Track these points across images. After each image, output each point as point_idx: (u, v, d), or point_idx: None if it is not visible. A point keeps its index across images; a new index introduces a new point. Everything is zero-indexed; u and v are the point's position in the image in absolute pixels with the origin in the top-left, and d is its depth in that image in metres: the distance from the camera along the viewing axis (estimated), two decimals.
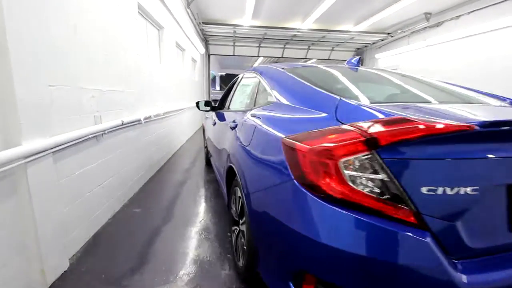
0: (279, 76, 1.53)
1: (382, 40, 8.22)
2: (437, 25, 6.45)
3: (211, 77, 10.56)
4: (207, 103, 3.18)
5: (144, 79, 3.16)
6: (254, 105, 1.66)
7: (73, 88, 1.74)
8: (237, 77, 2.69)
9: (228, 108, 2.45)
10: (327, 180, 0.84)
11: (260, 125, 1.28)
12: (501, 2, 4.93)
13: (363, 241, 0.77)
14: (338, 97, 1.07)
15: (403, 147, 0.79)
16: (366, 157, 0.81)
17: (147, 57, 3.53)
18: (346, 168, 0.82)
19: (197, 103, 3.26)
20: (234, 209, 1.67)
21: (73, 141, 1.68)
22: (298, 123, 1.10)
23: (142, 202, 2.63)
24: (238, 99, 2.20)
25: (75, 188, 1.78)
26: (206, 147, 3.99)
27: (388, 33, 7.70)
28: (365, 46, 9.01)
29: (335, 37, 7.94)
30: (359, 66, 1.81)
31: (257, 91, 1.72)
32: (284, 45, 9.10)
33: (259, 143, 1.23)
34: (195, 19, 6.36)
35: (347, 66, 1.82)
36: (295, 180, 0.93)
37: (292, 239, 0.93)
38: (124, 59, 2.56)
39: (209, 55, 9.52)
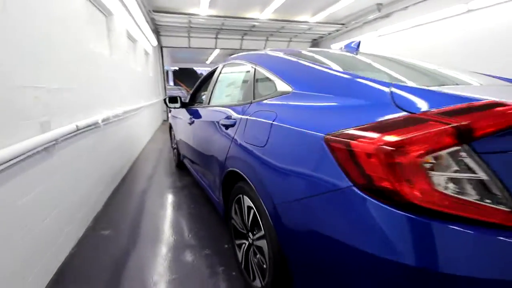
0: (287, 62, 1.30)
1: (337, 30, 8.46)
2: (387, 15, 6.82)
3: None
4: (173, 100, 2.82)
5: (97, 74, 2.65)
6: (254, 98, 1.41)
7: (4, 88, 1.28)
8: (213, 69, 2.39)
9: (208, 103, 2.15)
10: (408, 185, 0.66)
11: (280, 121, 1.05)
12: None
13: (474, 257, 0.61)
14: (387, 80, 0.90)
15: (501, 138, 0.64)
16: (457, 152, 0.64)
17: (97, 48, 2.99)
18: (432, 168, 0.65)
19: (165, 100, 2.88)
20: (239, 220, 1.42)
21: (11, 159, 1.23)
22: (337, 114, 0.89)
23: (109, 221, 2.20)
24: (224, 93, 1.92)
25: (23, 219, 1.34)
26: (175, 148, 3.60)
27: (343, 24, 7.94)
28: (321, 37, 9.21)
29: (293, 28, 7.92)
30: (358, 50, 1.67)
31: (254, 81, 1.47)
32: (242, 36, 8.82)
33: (284, 142, 1.00)
34: (144, 6, 5.70)
35: (346, 50, 1.67)
36: (355, 188, 0.73)
37: (359, 263, 0.74)
38: (74, 50, 2.06)
39: (161, 48, 8.78)
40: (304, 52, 1.51)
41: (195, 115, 2.32)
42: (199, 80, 2.74)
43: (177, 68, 21.58)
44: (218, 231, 2.00)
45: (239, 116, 1.39)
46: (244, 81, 1.70)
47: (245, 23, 7.29)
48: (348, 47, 1.72)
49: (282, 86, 1.20)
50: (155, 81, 8.00)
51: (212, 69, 2.43)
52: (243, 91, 1.64)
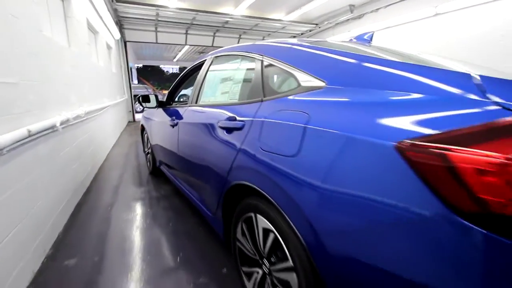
0: (310, 53, 1.06)
1: (310, 30, 8.49)
2: (359, 17, 6.96)
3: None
4: (147, 98, 2.48)
5: (52, 68, 2.19)
6: (264, 95, 1.16)
7: None
8: (198, 63, 2.08)
9: (196, 102, 1.85)
10: None
11: (317, 123, 0.82)
12: None
13: None
14: (464, 71, 0.72)
15: None
16: None
17: (52, 36, 2.50)
18: None
19: (139, 98, 2.51)
20: (249, 244, 1.17)
21: None
22: (407, 114, 0.68)
23: (74, 247, 1.79)
24: (218, 90, 1.63)
25: None
26: (149, 153, 3.20)
27: (316, 24, 7.97)
28: (294, 36, 9.18)
29: (267, 26, 7.76)
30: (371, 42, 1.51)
31: (263, 76, 1.22)
32: (214, 33, 8.45)
33: (327, 152, 0.77)
34: None
35: (360, 43, 1.49)
36: (457, 216, 0.53)
37: None
38: (17, 35, 1.63)
39: (125, 42, 8.07)
40: (325, 41, 1.29)
41: (178, 116, 2.00)
42: (180, 77, 2.41)
43: (141, 66, 20.35)
44: (211, 250, 1.72)
45: (249, 118, 1.14)
46: (247, 76, 1.44)
47: (218, 18, 6.95)
48: (360, 39, 1.55)
49: (308, 80, 0.97)
50: (119, 78, 7.31)
51: (197, 63, 2.13)
52: (247, 87, 1.38)
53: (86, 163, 2.93)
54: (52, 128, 1.93)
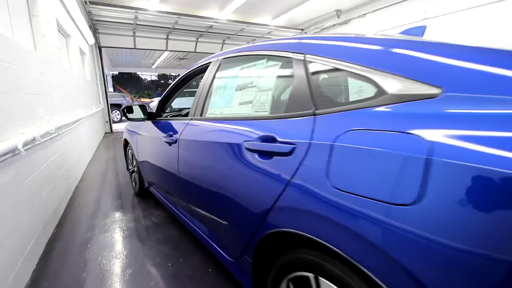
0: (395, 47, 0.76)
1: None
2: (346, 22, 6.92)
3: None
4: (131, 109, 2.11)
5: (12, 74, 1.75)
6: (317, 107, 0.84)
7: None
8: (199, 67, 1.74)
9: (201, 115, 1.50)
10: None
11: (452, 155, 0.51)
12: (398, 2, 5.56)
13: None
14: None
15: None
16: None
17: (13, 36, 2.06)
18: None
19: (124, 110, 2.12)
20: None
21: None
22: None
23: None
24: (234, 100, 1.28)
25: None
26: (134, 172, 2.77)
27: (302, 29, 7.86)
28: None
29: (253, 31, 7.52)
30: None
31: (309, 80, 0.90)
32: (197, 38, 8.08)
33: (483, 200, 0.47)
34: None
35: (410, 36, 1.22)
36: None
37: None
38: None
39: (100, 48, 7.48)
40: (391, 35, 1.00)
41: (176, 131, 1.64)
42: (173, 84, 2.05)
43: (117, 73, 19.39)
44: None
45: (301, 139, 0.82)
46: (281, 81, 1.12)
47: (202, 22, 6.61)
48: (408, 33, 1.28)
49: (404, 86, 0.67)
50: (93, 87, 6.70)
51: (196, 67, 1.78)
52: (283, 96, 1.07)
53: (58, 187, 2.45)
54: (12, 152, 1.49)
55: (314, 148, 0.77)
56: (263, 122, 1.03)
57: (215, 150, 1.21)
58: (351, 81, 0.82)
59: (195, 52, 8.54)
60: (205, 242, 1.48)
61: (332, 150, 0.71)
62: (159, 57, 12.65)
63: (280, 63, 1.12)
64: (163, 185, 2.00)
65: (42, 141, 2.02)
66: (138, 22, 6.49)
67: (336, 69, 0.85)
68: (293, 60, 1.00)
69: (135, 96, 19.15)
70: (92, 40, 6.26)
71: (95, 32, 6.96)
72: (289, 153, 0.83)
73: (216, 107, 1.42)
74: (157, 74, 20.84)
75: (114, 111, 10.67)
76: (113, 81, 18.53)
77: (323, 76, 0.91)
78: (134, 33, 7.31)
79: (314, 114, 0.84)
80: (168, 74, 21.80)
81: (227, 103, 1.34)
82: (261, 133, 0.98)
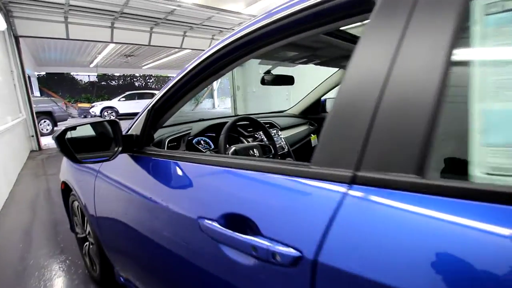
0: None
1: None
2: None
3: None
4: (75, 139, 0.94)
5: None
6: None
7: None
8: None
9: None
10: None
11: None
12: None
13: None
14: None
15: None
16: None
17: None
18: None
19: (64, 138, 0.92)
20: None
21: None
22: None
23: None
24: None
25: None
26: (88, 242, 1.55)
27: None
28: None
29: (222, 20, 6.42)
30: None
31: None
32: (152, 28, 6.65)
33: None
34: None
35: None
36: None
37: None
38: None
39: (17, 38, 5.54)
40: None
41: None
42: (182, 75, 0.94)
43: (43, 74, 16.18)
44: None
45: None
46: None
47: (161, 6, 5.28)
48: None
49: None
50: (8, 90, 4.86)
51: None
52: None
53: None
54: None
55: None
56: None
57: None
58: None
59: (149, 45, 7.08)
60: None
61: None
62: (99, 53, 10.61)
63: None
64: None
65: None
66: (71, 2, 4.87)
67: None
68: None
69: (69, 101, 16.22)
70: (3, 25, 4.47)
71: (7, 15, 5.08)
72: None
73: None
74: (96, 74, 18.05)
75: (42, 121, 8.45)
76: (39, 83, 15.37)
77: None
78: (66, 18, 5.58)
79: None
80: (110, 74, 19.02)
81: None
82: None
